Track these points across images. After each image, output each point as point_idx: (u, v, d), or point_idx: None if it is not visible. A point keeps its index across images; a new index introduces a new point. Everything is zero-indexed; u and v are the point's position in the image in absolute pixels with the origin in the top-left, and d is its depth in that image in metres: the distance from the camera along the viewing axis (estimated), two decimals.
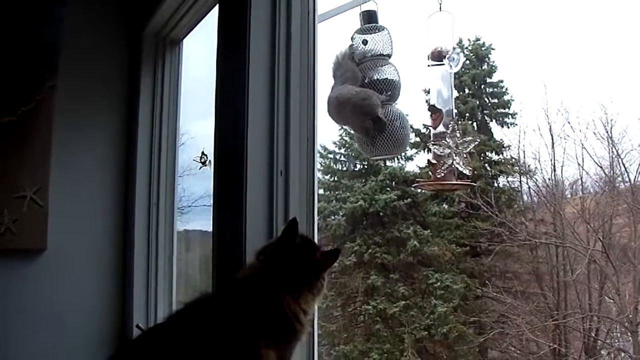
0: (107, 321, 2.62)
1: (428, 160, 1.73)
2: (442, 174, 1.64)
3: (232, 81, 1.67)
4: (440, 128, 1.72)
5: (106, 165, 2.71)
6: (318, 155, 1.67)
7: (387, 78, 1.84)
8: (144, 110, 2.64)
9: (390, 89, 1.83)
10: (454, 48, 1.74)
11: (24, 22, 2.55)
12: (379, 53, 1.87)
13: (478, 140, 1.72)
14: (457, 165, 1.62)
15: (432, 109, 1.76)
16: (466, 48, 13.58)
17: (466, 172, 1.64)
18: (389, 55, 1.87)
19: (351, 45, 1.87)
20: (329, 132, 13.42)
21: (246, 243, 1.53)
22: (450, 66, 1.73)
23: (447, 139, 1.62)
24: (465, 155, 1.61)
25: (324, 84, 1.77)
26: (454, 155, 1.60)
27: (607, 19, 11.88)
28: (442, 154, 1.63)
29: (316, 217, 1.65)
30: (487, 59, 13.67)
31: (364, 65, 1.87)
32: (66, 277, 2.56)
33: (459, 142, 1.61)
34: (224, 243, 1.66)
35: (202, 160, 2.42)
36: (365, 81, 1.85)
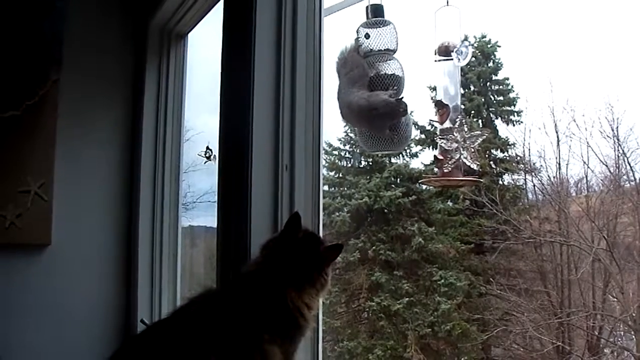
0: (112, 316, 2.62)
1: (435, 155, 1.71)
2: (449, 169, 1.62)
3: (238, 75, 1.66)
4: (447, 124, 1.70)
5: (110, 160, 2.70)
6: (323, 151, 1.66)
7: (391, 73, 1.82)
8: (148, 105, 2.64)
9: (394, 84, 1.81)
10: (462, 41, 1.71)
11: (28, 16, 2.55)
12: (383, 48, 1.85)
13: (486, 134, 1.70)
14: (464, 160, 1.60)
15: (439, 104, 1.74)
16: (472, 45, 13.50)
17: (474, 166, 1.62)
18: (394, 50, 1.86)
19: (357, 39, 1.85)
20: (334, 129, 13.41)
21: (251, 238, 1.53)
22: (459, 59, 1.70)
23: (454, 133, 1.61)
24: (472, 150, 1.59)
25: (330, 78, 1.75)
26: (461, 149, 1.58)
27: (613, 17, 11.81)
28: (449, 148, 1.61)
29: (321, 212, 1.65)
30: (493, 56, 13.60)
31: (368, 59, 1.85)
32: (70, 272, 2.56)
33: (466, 136, 1.59)
34: (228, 238, 1.66)
35: (207, 155, 2.41)
36: (370, 76, 1.82)
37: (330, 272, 1.36)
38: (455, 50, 1.69)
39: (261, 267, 1.34)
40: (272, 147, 1.56)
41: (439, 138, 1.67)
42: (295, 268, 1.31)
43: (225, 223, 1.68)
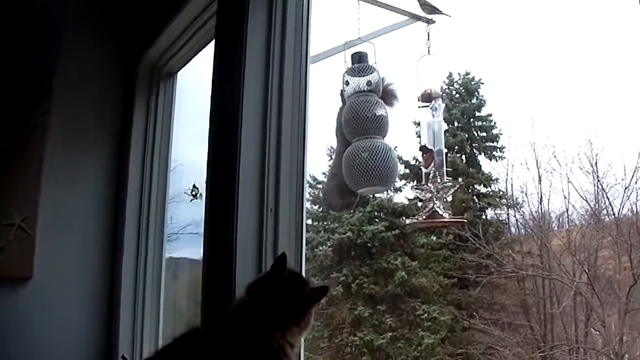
0: (93, 351, 2.59)
1: (418, 198, 1.78)
2: (423, 217, 1.69)
3: (226, 118, 1.71)
4: (432, 167, 1.77)
5: (97, 194, 2.71)
6: (307, 185, 1.72)
7: (377, 114, 1.90)
8: (136, 141, 2.67)
9: (379, 125, 1.89)
10: (435, 99, 1.80)
11: (22, 49, 2.57)
12: (369, 91, 1.93)
13: (457, 185, 1.77)
14: (437, 209, 1.67)
15: (424, 149, 1.82)
16: (456, 82, 13.81)
17: (446, 215, 1.69)
18: (378, 93, 1.93)
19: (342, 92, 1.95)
20: (318, 163, 13.46)
21: (236, 277, 1.55)
22: (433, 115, 1.79)
23: (428, 184, 1.68)
24: (445, 200, 1.66)
25: (316, 122, 1.82)
26: (434, 199, 1.65)
27: (592, 56, 12.14)
28: (424, 198, 1.68)
29: (304, 252, 1.68)
30: (476, 93, 13.85)
31: (355, 100, 1.93)
32: (51, 306, 2.53)
33: (439, 187, 1.66)
34: (213, 276, 1.68)
35: (193, 193, 2.45)
36: (361, 116, 1.91)
37: (313, 312, 1.39)
38: (430, 107, 1.78)
39: (247, 307, 1.36)
40: (257, 189, 1.60)
41: (414, 188, 1.75)
42: (280, 308, 1.33)
43: (211, 262, 1.71)
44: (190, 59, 2.60)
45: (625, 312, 9.78)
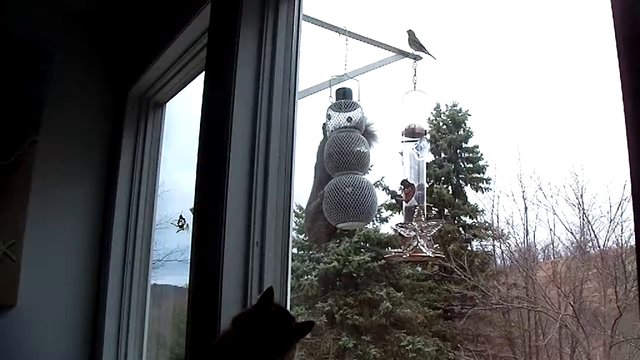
0: None
1: (399, 233, 1.80)
2: (407, 255, 1.72)
3: (214, 149, 1.74)
4: (412, 202, 1.80)
5: (83, 223, 2.71)
6: (293, 214, 1.74)
7: (361, 151, 1.94)
8: (123, 170, 2.68)
9: (362, 161, 1.93)
10: (420, 137, 1.84)
11: (11, 78, 2.59)
12: (352, 127, 1.97)
13: (441, 224, 1.82)
14: (421, 247, 1.70)
15: (405, 183, 1.85)
16: (443, 113, 13.96)
17: (429, 254, 1.72)
18: (361, 130, 1.97)
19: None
20: (305, 192, 13.45)
21: (221, 309, 1.57)
22: (418, 155, 1.83)
23: (413, 222, 1.71)
24: (429, 238, 1.70)
25: (302, 159, 1.85)
26: (418, 237, 1.68)
27: (578, 89, 12.37)
28: (408, 236, 1.71)
29: (289, 283, 1.70)
30: (463, 124, 13.98)
31: (339, 135, 1.96)
32: (35, 333, 2.51)
33: (423, 225, 1.70)
34: (199, 308, 1.69)
35: (180, 223, 2.46)
36: (345, 151, 1.95)
37: (298, 347, 1.41)
38: (415, 146, 1.82)
39: (233, 340, 1.37)
40: (244, 224, 1.63)
41: (399, 226, 1.77)
42: (266, 341, 1.35)
43: (196, 293, 1.72)
44: (180, 90, 2.64)
45: (610, 345, 9.77)
